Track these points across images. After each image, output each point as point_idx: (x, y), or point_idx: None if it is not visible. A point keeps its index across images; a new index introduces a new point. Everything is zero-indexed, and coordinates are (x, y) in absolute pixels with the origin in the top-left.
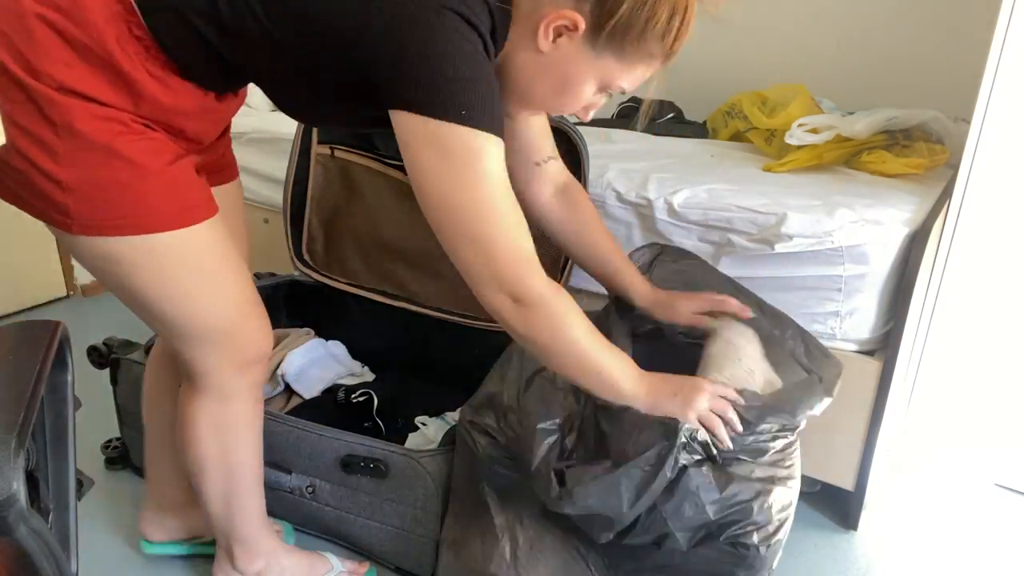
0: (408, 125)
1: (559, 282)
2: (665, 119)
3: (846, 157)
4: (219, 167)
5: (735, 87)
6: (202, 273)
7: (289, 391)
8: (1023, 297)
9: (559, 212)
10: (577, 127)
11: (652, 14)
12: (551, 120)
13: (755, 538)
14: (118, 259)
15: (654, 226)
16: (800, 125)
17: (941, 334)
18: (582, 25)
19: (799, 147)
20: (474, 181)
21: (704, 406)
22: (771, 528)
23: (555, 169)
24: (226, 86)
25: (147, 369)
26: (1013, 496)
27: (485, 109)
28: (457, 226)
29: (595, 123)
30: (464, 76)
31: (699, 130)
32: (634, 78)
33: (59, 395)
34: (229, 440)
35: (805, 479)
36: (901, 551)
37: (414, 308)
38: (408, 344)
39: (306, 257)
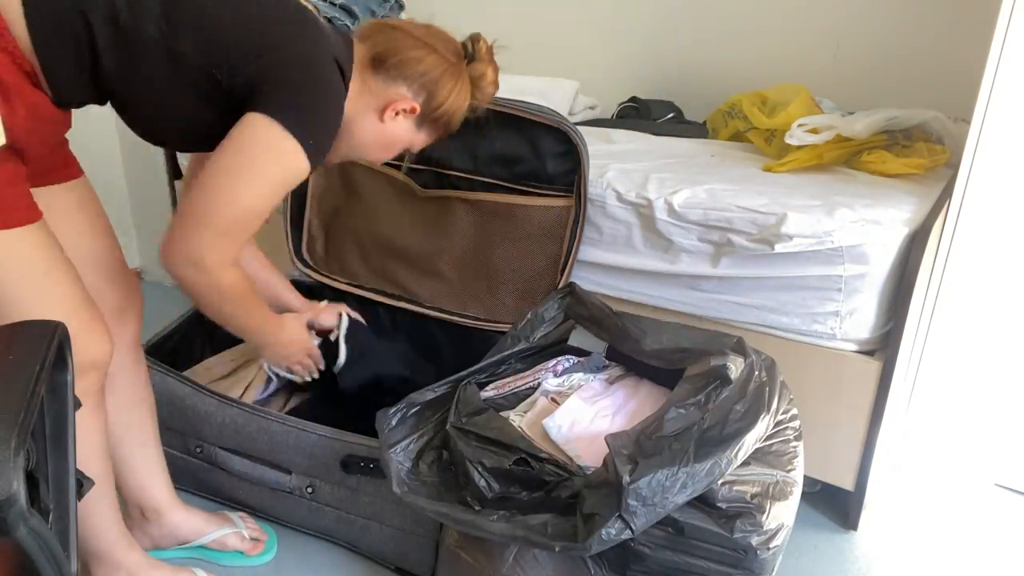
0: (258, 121)
1: (558, 281)
2: (665, 119)
3: (846, 157)
4: (51, 167)
5: (735, 87)
6: (29, 277)
7: (288, 390)
8: (1023, 297)
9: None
10: (577, 127)
11: (456, 112)
12: (551, 120)
13: (755, 541)
14: None
15: (654, 226)
16: (800, 125)
17: (941, 334)
18: (417, 111)
19: (799, 147)
20: (261, 177)
21: (291, 362)
22: (772, 531)
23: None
24: (84, 97)
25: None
26: (1013, 496)
27: (321, 152)
28: (213, 195)
29: (595, 123)
30: (327, 120)
31: (699, 130)
32: (428, 142)
33: (59, 395)
34: None
35: (805, 479)
36: (901, 551)
37: (414, 308)
38: (408, 344)
39: (306, 257)
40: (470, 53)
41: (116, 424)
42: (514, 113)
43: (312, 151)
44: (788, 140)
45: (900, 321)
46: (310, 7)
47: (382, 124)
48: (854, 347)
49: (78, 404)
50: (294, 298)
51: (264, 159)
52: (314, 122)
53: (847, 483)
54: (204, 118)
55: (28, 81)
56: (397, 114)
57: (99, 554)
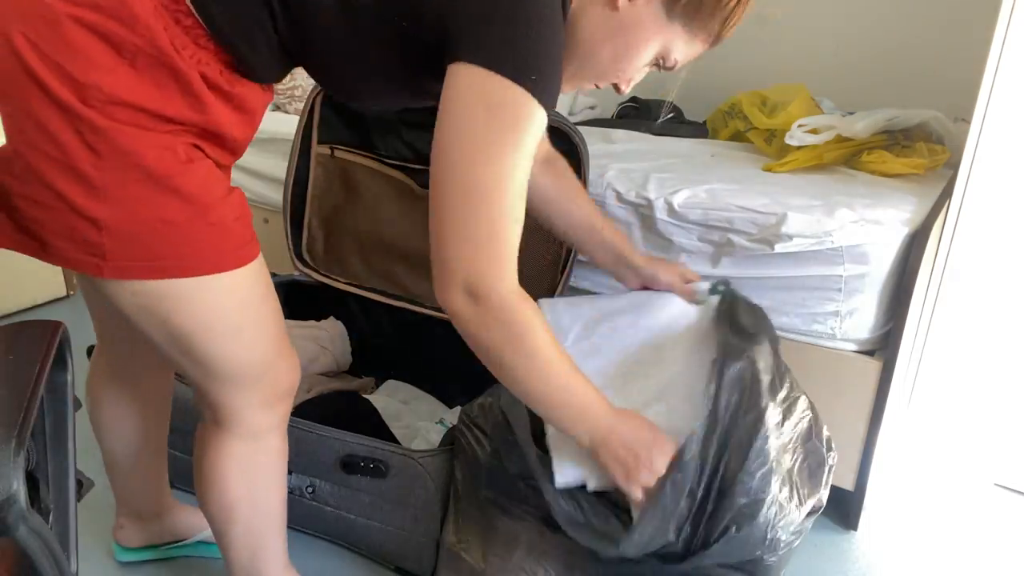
0: (469, 79)
1: (559, 281)
2: (665, 119)
3: (846, 157)
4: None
5: (735, 87)
6: (248, 311)
7: None
8: (1023, 297)
9: (543, 183)
10: (577, 127)
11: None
12: (551, 120)
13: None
14: (158, 300)
15: (654, 226)
16: (800, 126)
17: (941, 334)
18: None
19: (799, 147)
20: (504, 151)
21: (650, 483)
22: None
23: (543, 145)
24: (279, 72)
25: (90, 394)
26: (1013, 496)
27: (551, 82)
28: (461, 195)
29: (595, 123)
30: (544, 42)
31: (699, 130)
32: (690, 52)
33: (59, 395)
34: (259, 480)
35: None
36: (901, 551)
37: (414, 308)
38: (408, 344)
39: (306, 257)
40: None
41: (137, 428)
42: None
43: (543, 91)
44: (788, 141)
45: (900, 321)
46: None
47: (616, 12)
48: (854, 347)
49: (78, 404)
50: (621, 238)
51: (494, 125)
52: (535, 52)
53: (847, 483)
54: (398, 75)
55: (231, 69)
56: None
57: None
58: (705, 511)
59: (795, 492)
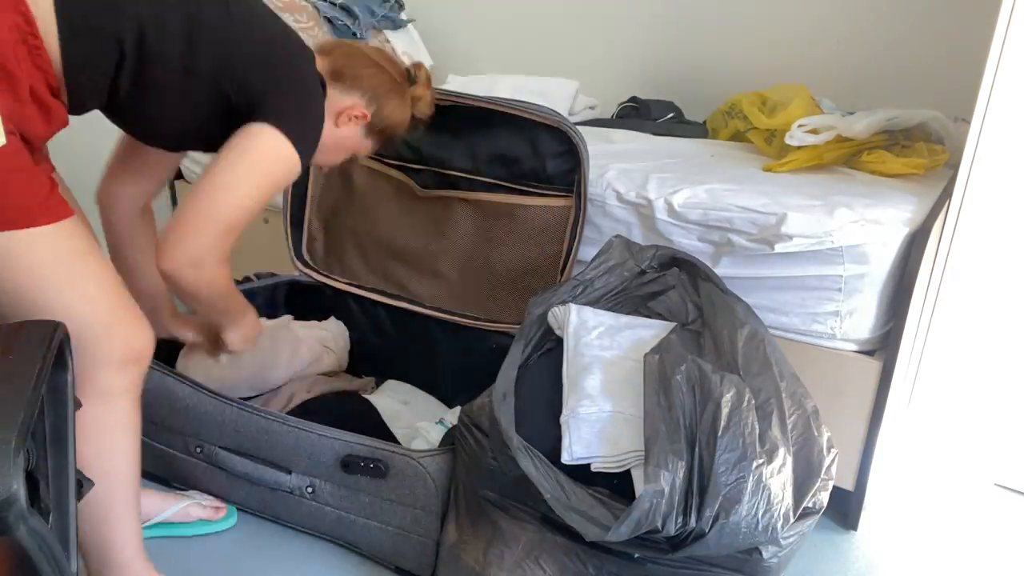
0: (265, 133)
1: (558, 282)
2: (665, 119)
3: (846, 157)
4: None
5: (735, 87)
6: (75, 264)
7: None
8: (1023, 297)
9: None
10: (577, 127)
11: (399, 126)
12: (551, 120)
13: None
14: None
15: (654, 226)
16: (800, 126)
17: (941, 334)
18: (368, 118)
19: (799, 147)
20: (268, 179)
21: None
22: (779, 531)
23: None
24: (86, 109)
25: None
26: (1013, 496)
27: (310, 154)
28: (218, 193)
29: (595, 123)
30: (316, 127)
31: (699, 130)
32: (371, 151)
33: (59, 395)
34: (107, 443)
35: None
36: (901, 551)
37: (414, 308)
38: (408, 344)
39: (306, 257)
40: (412, 77)
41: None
42: (514, 113)
43: (305, 154)
44: (788, 141)
45: (900, 321)
46: (309, 7)
47: (337, 128)
48: (854, 347)
49: (78, 404)
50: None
51: (267, 163)
52: (308, 129)
53: (847, 483)
54: (205, 126)
55: (50, 93)
56: (350, 119)
57: (121, 565)
58: (691, 502)
59: (785, 479)
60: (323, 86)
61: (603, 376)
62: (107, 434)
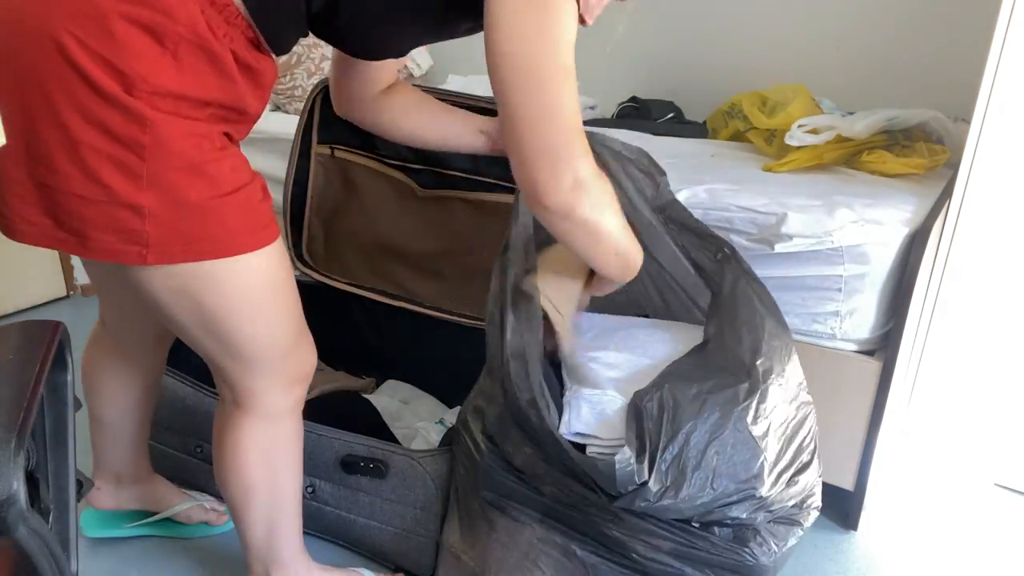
0: None
1: None
2: (665, 119)
3: (846, 157)
4: None
5: (735, 87)
6: (274, 292)
7: None
8: (1023, 297)
9: (399, 100)
10: None
11: None
12: None
13: (757, 546)
14: (192, 281)
15: None
16: (800, 126)
17: (941, 334)
18: None
19: (799, 147)
20: (557, 45)
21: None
22: (778, 539)
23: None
24: (294, 43)
25: (87, 361)
26: (1013, 496)
27: None
28: (535, 91)
29: (595, 123)
30: None
31: (699, 130)
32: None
33: (59, 395)
34: (278, 461)
35: None
36: (901, 551)
37: (414, 308)
38: (408, 344)
39: (306, 257)
40: None
41: (129, 399)
42: None
43: None
44: (788, 141)
45: (900, 321)
46: None
47: None
48: (854, 347)
49: (78, 404)
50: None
51: (562, 19)
52: None
53: (847, 483)
54: (432, 7)
55: (254, 47)
56: None
57: (285, 563)
58: (666, 459)
59: (768, 447)
60: None
61: (606, 368)
62: (278, 453)
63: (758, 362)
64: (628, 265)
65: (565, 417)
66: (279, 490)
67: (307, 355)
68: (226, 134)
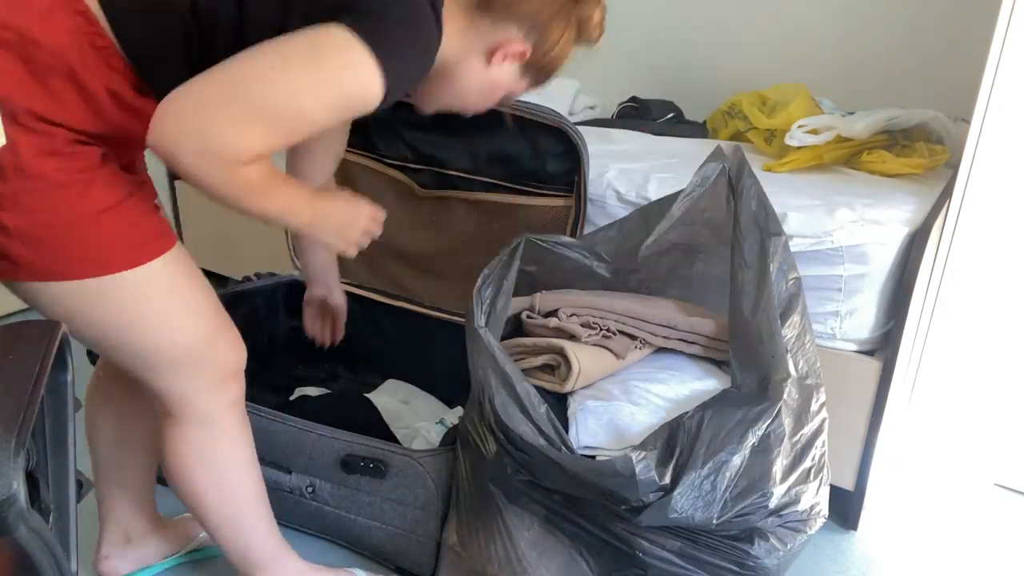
0: (337, 32)
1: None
2: (665, 119)
3: (846, 157)
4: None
5: (735, 87)
6: (172, 298)
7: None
8: (1023, 297)
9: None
10: (577, 127)
11: (562, 59)
12: (551, 120)
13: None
14: (80, 300)
15: None
16: (800, 126)
17: (941, 334)
18: (527, 56)
19: (799, 147)
20: (329, 78)
21: (357, 239)
22: (784, 543)
23: None
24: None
25: (90, 403)
26: (1013, 496)
27: (399, 85)
28: (263, 62)
29: (595, 123)
30: (412, 52)
31: (699, 130)
32: (527, 90)
33: (59, 395)
34: (222, 463)
35: None
36: (901, 551)
37: (414, 308)
38: (408, 344)
39: None
40: None
41: (135, 437)
42: (514, 113)
43: (390, 78)
44: (788, 141)
45: (900, 321)
46: None
47: (487, 68)
48: (854, 347)
49: (78, 404)
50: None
51: (335, 62)
52: (398, 49)
53: (847, 483)
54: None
55: (136, 93)
56: (505, 58)
57: (264, 564)
58: (702, 473)
59: (788, 461)
60: (436, 11)
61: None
62: (218, 455)
63: (787, 380)
64: (289, 223)
65: (572, 431)
66: (231, 493)
67: (229, 352)
68: (102, 153)
